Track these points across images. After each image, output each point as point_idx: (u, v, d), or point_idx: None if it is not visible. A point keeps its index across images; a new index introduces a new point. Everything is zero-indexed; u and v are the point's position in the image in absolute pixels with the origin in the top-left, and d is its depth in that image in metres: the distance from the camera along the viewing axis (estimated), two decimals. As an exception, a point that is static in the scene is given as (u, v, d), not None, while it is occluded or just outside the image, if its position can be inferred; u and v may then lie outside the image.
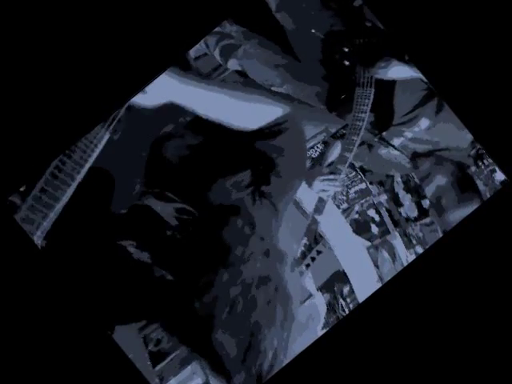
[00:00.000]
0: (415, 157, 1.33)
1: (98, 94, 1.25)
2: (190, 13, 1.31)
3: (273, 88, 1.32)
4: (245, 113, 1.22)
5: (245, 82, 1.31)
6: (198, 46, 1.31)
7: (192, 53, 1.31)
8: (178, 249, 1.13)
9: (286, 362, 1.14)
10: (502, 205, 1.32)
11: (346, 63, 1.32)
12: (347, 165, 1.31)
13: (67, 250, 1.15)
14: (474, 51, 1.32)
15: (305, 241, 1.27)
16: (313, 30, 1.32)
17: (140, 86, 1.21)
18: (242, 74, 1.31)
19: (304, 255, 1.27)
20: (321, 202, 1.29)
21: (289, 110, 1.23)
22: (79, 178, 1.17)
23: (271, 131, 1.21)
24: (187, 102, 1.20)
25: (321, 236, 1.27)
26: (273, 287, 1.11)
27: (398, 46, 1.32)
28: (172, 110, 1.21)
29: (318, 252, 1.26)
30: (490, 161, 1.33)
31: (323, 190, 1.29)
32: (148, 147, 1.22)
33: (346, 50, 1.32)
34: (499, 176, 1.34)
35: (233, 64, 1.32)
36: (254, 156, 1.20)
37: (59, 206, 1.15)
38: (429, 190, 1.32)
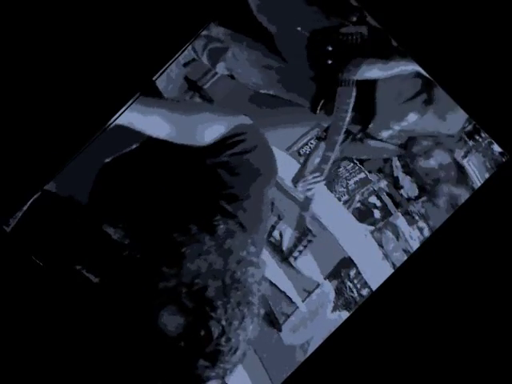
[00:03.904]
0: (406, 142, 1.30)
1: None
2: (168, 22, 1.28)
3: (261, 90, 1.26)
4: (195, 130, 1.15)
5: (233, 85, 1.28)
6: (186, 51, 1.27)
7: (181, 59, 1.27)
8: (133, 266, 1.11)
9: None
10: (502, 179, 1.29)
11: (329, 62, 1.27)
12: (330, 164, 1.26)
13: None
14: (467, 39, 1.26)
15: (296, 234, 1.26)
16: (298, 28, 1.26)
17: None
18: (230, 77, 1.28)
19: (296, 246, 1.26)
20: (307, 201, 1.26)
21: (245, 122, 1.16)
22: (29, 202, 1.17)
23: (223, 145, 1.14)
24: (135, 125, 1.15)
25: (309, 229, 1.26)
26: (228, 280, 1.12)
27: (384, 36, 1.26)
28: (122, 134, 1.16)
29: (309, 241, 1.26)
30: (486, 135, 1.29)
31: (308, 189, 1.27)
32: (99, 172, 1.18)
33: (330, 48, 1.26)
34: (497, 148, 1.29)
35: (221, 68, 1.27)
36: (205, 173, 1.15)
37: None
38: (425, 166, 1.30)
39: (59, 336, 1.23)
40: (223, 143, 1.15)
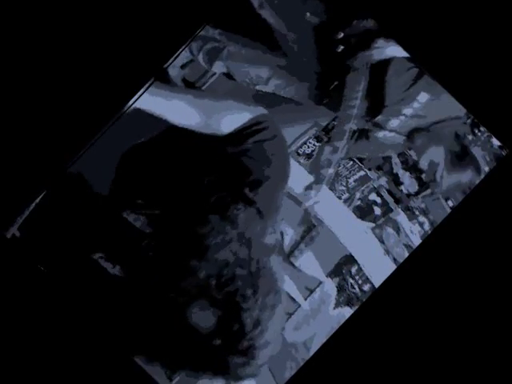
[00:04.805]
0: (412, 133, 1.28)
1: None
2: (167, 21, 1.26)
3: (258, 87, 1.25)
4: (218, 118, 1.15)
5: (232, 85, 1.27)
6: (183, 52, 1.26)
7: (178, 61, 1.26)
8: (154, 257, 1.09)
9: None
10: (502, 173, 1.29)
11: (339, 50, 1.25)
12: (339, 154, 1.26)
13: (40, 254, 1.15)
14: (464, 33, 1.24)
15: (299, 230, 1.26)
16: (308, 14, 1.23)
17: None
18: (228, 76, 1.27)
19: (298, 243, 1.26)
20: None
21: (263, 112, 1.16)
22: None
23: (245, 133, 1.14)
24: (158, 111, 1.14)
25: (314, 225, 1.26)
26: (253, 269, 1.07)
27: (386, 29, 1.24)
28: (144, 121, 1.15)
29: (312, 237, 1.26)
30: (485, 129, 1.28)
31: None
32: (119, 159, 1.17)
33: (342, 35, 1.24)
34: (496, 141, 1.29)
35: (218, 66, 1.25)
36: (227, 161, 1.14)
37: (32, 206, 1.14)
38: (425, 162, 1.29)
39: (82, 336, 1.21)
40: (246, 131, 1.14)
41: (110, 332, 1.16)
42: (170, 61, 1.23)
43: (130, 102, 1.17)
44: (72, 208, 1.16)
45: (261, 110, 1.17)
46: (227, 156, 1.15)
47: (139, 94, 1.16)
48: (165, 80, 1.21)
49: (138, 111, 1.16)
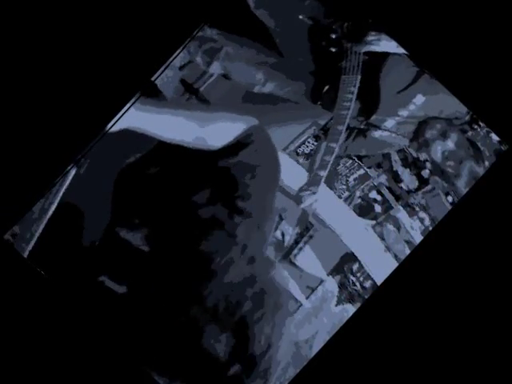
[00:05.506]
0: (416, 130, 1.28)
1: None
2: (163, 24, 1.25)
3: (255, 88, 1.25)
4: (207, 132, 1.16)
5: (229, 86, 1.27)
6: (181, 54, 1.25)
7: (176, 62, 1.26)
8: (155, 274, 1.11)
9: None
10: (501, 167, 1.28)
11: (333, 50, 1.24)
12: (335, 155, 1.27)
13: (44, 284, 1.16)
14: (461, 31, 1.23)
15: (297, 230, 1.26)
16: (300, 17, 1.23)
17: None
18: (226, 77, 1.26)
19: (297, 242, 1.26)
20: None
21: (254, 123, 1.17)
22: (48, 215, 1.16)
23: (235, 147, 1.16)
24: (147, 128, 1.16)
25: (311, 223, 1.26)
26: (259, 286, 1.11)
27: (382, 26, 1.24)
28: (133, 138, 1.17)
29: (310, 236, 1.26)
30: (484, 124, 1.28)
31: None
32: (113, 179, 1.18)
33: (334, 36, 1.23)
34: (495, 137, 1.28)
35: (216, 67, 1.25)
36: (217, 175, 1.16)
37: (30, 245, 1.15)
38: (431, 156, 1.29)
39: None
40: (237, 143, 1.16)
41: (121, 350, 1.16)
42: (168, 62, 1.23)
43: (116, 118, 1.17)
44: (68, 233, 1.17)
45: (252, 121, 1.18)
46: (218, 170, 1.16)
47: (125, 109, 1.17)
48: (152, 94, 1.21)
49: (126, 129, 1.17)
